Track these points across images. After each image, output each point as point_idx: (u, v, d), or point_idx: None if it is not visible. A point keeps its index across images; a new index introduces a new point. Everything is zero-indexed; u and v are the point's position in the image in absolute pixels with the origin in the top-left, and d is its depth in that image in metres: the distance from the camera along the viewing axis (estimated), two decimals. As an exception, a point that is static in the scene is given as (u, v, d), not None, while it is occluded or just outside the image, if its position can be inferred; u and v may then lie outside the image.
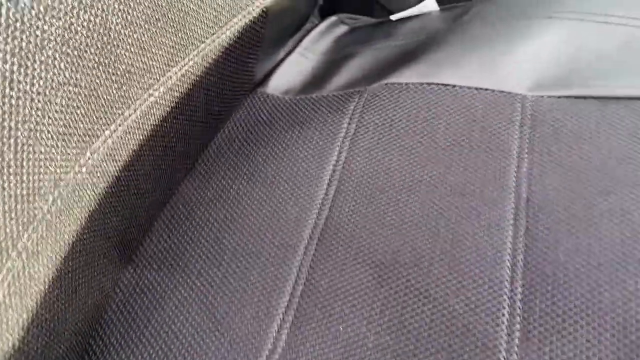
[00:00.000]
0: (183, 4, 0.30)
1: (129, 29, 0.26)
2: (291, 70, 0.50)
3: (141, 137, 0.32)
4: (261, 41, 0.45)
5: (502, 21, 0.44)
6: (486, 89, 0.41)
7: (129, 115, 0.29)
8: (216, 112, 0.44)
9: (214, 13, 0.36)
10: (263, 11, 0.43)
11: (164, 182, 0.38)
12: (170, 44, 0.30)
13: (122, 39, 0.26)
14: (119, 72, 0.27)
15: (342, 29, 0.54)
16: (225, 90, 0.44)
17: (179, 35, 0.31)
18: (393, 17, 0.51)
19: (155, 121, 0.33)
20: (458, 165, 0.37)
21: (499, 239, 0.32)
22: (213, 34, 0.37)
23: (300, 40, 0.53)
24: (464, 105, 0.40)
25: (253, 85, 0.50)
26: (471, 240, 0.33)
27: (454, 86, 0.42)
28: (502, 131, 0.38)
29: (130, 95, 0.28)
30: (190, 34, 0.33)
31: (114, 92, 0.27)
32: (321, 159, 0.41)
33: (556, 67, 0.41)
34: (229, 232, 0.37)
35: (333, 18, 0.54)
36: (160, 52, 0.29)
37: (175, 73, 0.32)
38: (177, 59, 0.32)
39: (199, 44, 0.34)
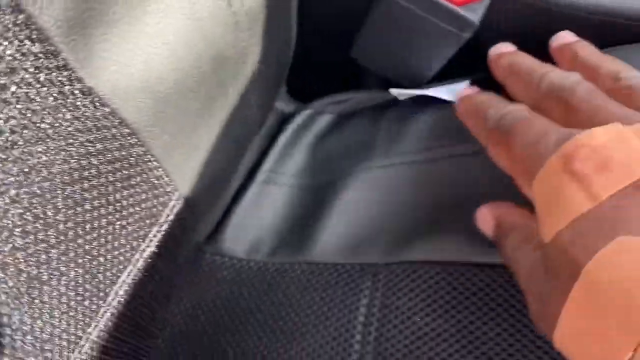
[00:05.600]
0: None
1: None
2: (255, 214, 0.33)
3: None
4: (196, 226, 0.29)
5: None
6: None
7: None
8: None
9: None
10: (187, 203, 0.26)
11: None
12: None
13: None
14: None
15: (324, 120, 0.36)
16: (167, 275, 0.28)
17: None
18: (394, 92, 0.32)
19: None
20: None
21: None
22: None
23: (262, 157, 0.35)
24: None
25: (196, 245, 0.33)
26: None
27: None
28: None
29: None
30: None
31: None
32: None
33: None
34: None
35: (307, 111, 0.36)
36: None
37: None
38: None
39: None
